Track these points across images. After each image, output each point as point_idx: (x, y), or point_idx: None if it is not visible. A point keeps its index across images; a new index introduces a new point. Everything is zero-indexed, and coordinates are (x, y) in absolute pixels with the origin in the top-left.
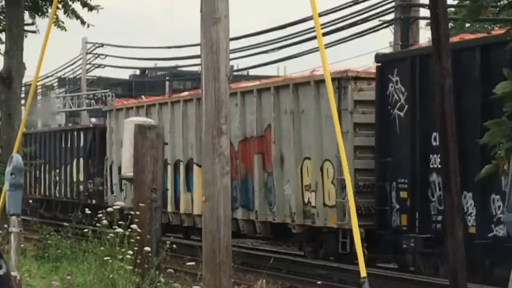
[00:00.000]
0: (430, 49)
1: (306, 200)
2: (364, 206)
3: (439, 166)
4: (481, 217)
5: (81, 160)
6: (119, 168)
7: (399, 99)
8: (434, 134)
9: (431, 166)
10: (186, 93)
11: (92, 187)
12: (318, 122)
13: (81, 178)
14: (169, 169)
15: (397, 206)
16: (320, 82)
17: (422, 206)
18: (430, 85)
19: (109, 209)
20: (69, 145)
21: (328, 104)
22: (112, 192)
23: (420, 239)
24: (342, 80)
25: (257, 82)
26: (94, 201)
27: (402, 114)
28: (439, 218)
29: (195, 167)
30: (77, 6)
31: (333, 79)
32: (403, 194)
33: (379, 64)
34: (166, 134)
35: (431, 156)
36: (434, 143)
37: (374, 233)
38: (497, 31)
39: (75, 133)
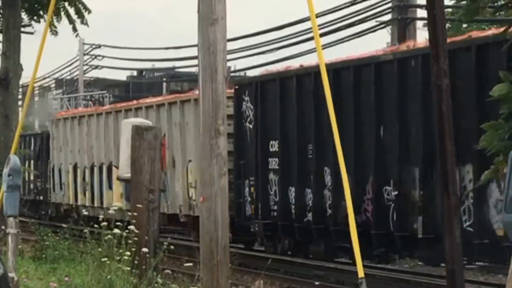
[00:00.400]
0: (269, 76)
1: (190, 195)
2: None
3: (276, 167)
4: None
5: (32, 162)
6: (59, 170)
7: (249, 115)
8: (271, 142)
9: (270, 167)
10: (107, 106)
11: (40, 186)
12: (197, 132)
13: (32, 177)
14: (95, 170)
15: (249, 199)
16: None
17: (263, 198)
18: (267, 103)
19: (110, 211)
20: (23, 148)
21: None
22: (54, 190)
23: (262, 224)
24: None
25: (160, 98)
26: (41, 198)
27: (251, 126)
28: (276, 207)
29: (113, 168)
30: (72, 12)
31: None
32: (252, 189)
33: (236, 87)
34: (93, 141)
35: (269, 159)
36: (271, 149)
37: (233, 220)
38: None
39: (27, 138)
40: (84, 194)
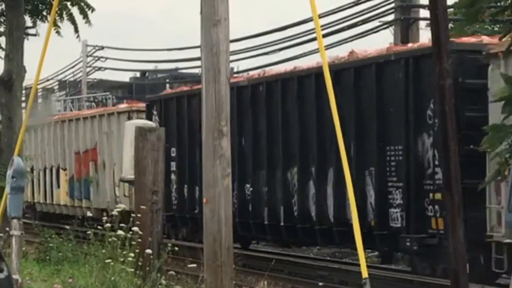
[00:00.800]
0: (169, 95)
1: (116, 193)
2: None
3: (175, 169)
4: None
5: None
6: None
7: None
8: (173, 148)
9: (171, 169)
10: (56, 117)
11: None
12: (120, 139)
13: None
14: (47, 172)
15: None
16: (121, 113)
17: (166, 195)
18: (168, 117)
19: (114, 212)
20: None
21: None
22: None
23: (165, 216)
24: (131, 112)
25: (93, 111)
26: None
27: None
28: (175, 202)
29: (61, 170)
30: (75, 11)
31: (125, 112)
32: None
33: (147, 103)
34: (45, 147)
35: (171, 162)
36: (172, 154)
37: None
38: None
39: None
40: (39, 192)
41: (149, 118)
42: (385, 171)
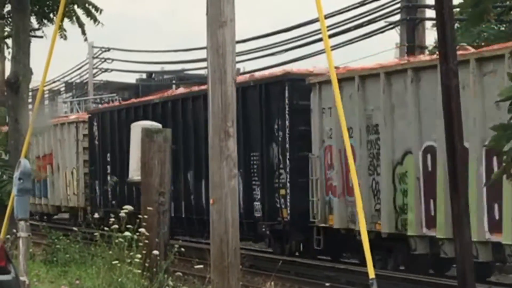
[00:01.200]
0: (105, 109)
1: (68, 191)
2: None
3: (110, 171)
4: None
5: None
6: None
7: (97, 135)
8: (108, 154)
9: (107, 172)
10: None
11: None
12: (70, 146)
13: None
14: None
15: (98, 193)
16: (70, 123)
17: (104, 193)
18: (105, 128)
19: (121, 214)
20: None
21: (79, 136)
22: None
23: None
24: (78, 123)
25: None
26: None
27: (98, 143)
28: (110, 198)
29: None
30: (81, 13)
31: (74, 122)
32: (98, 187)
33: (89, 115)
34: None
35: (107, 166)
36: (108, 159)
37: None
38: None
39: None
40: None
41: (90, 129)
42: (250, 173)
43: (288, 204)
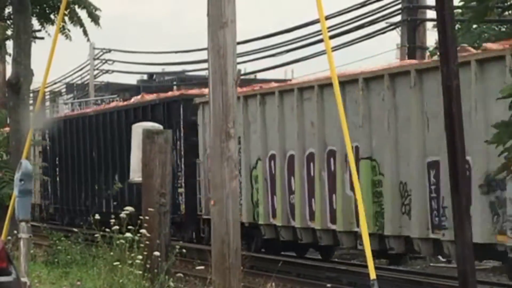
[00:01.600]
0: (60, 118)
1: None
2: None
3: (58, 173)
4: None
5: None
6: None
7: (48, 141)
8: (56, 158)
9: (56, 173)
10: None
11: None
12: (32, 148)
13: None
14: None
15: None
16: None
17: (54, 192)
18: (56, 135)
19: (122, 215)
20: None
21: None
22: None
23: (53, 207)
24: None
25: None
26: None
27: (48, 148)
28: (61, 196)
29: None
30: (83, 14)
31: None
32: (50, 187)
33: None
34: None
35: (56, 168)
36: (56, 163)
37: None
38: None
39: None
40: None
41: (43, 136)
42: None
43: (184, 200)
